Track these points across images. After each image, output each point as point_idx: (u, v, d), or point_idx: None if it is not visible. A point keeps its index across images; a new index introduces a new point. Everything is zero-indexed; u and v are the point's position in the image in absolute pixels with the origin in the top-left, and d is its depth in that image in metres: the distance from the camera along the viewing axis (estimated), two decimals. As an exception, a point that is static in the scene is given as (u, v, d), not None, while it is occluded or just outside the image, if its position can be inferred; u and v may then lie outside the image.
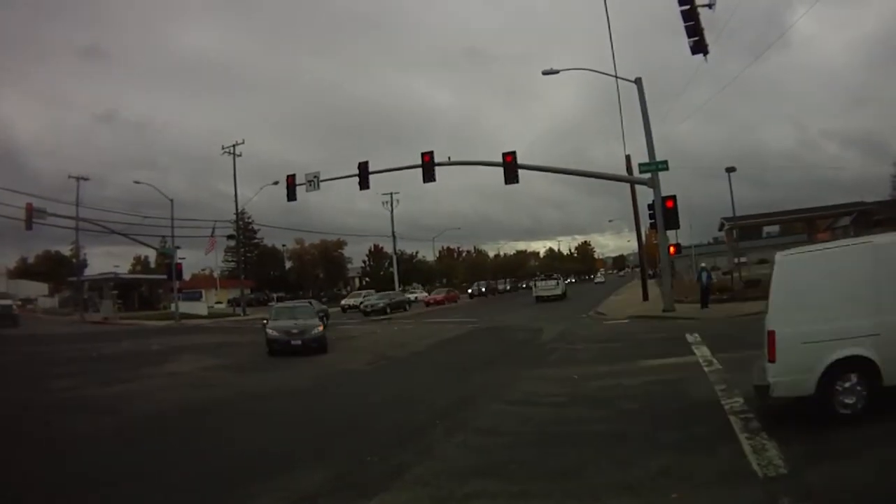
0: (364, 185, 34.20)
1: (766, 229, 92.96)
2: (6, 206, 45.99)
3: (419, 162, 32.24)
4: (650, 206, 29.72)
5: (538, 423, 10.20)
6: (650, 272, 55.26)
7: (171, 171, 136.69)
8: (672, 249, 32.46)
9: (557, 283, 59.11)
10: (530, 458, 8.19)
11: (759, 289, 33.98)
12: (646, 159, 29.23)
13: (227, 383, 16.83)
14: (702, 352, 16.06)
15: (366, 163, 34.25)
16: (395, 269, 79.44)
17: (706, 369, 13.57)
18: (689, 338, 18.96)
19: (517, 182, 30.08)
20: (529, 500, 6.65)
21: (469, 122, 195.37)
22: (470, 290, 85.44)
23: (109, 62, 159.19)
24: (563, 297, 56.46)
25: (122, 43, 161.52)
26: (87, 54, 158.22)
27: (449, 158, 32.43)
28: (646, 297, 40.15)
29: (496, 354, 19.35)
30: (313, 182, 36.04)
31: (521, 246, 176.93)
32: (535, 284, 62.26)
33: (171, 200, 57.14)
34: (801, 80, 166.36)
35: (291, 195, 36.64)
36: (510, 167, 30.10)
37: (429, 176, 31.97)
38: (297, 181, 36.42)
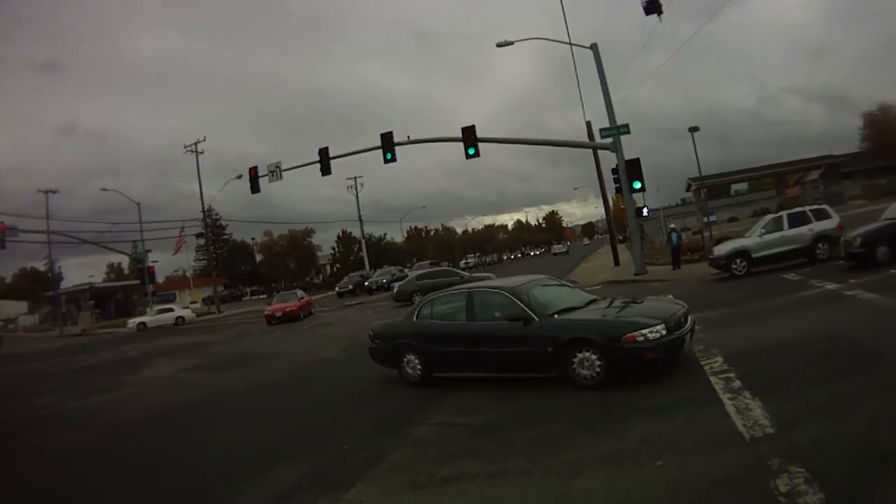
0: (326, 170, 34.17)
1: (735, 187, 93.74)
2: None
3: (387, 146, 32.07)
4: (614, 171, 29.65)
5: (516, 398, 9.96)
6: (620, 237, 55.52)
7: (137, 176, 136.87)
8: (639, 212, 32.29)
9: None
10: (510, 435, 7.99)
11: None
12: (606, 125, 29.16)
13: (202, 383, 16.64)
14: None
15: (326, 149, 34.30)
16: (364, 253, 79.35)
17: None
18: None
19: (478, 156, 30.10)
20: (508, 479, 6.45)
21: (427, 104, 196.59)
22: (338, 288, 61.10)
23: (66, 75, 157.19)
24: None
25: (77, 55, 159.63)
26: (43, 69, 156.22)
27: (408, 137, 32.36)
28: (617, 261, 40.18)
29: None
30: (275, 172, 36.30)
31: (489, 220, 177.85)
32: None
33: (139, 204, 57.52)
34: (759, 37, 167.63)
35: (255, 187, 36.71)
36: (469, 141, 30.02)
37: (389, 155, 31.89)
38: (260, 173, 36.25)
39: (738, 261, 22.90)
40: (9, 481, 9.27)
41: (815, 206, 23.76)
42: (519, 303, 10.34)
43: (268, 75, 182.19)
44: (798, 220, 22.57)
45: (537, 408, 9.19)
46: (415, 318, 11.91)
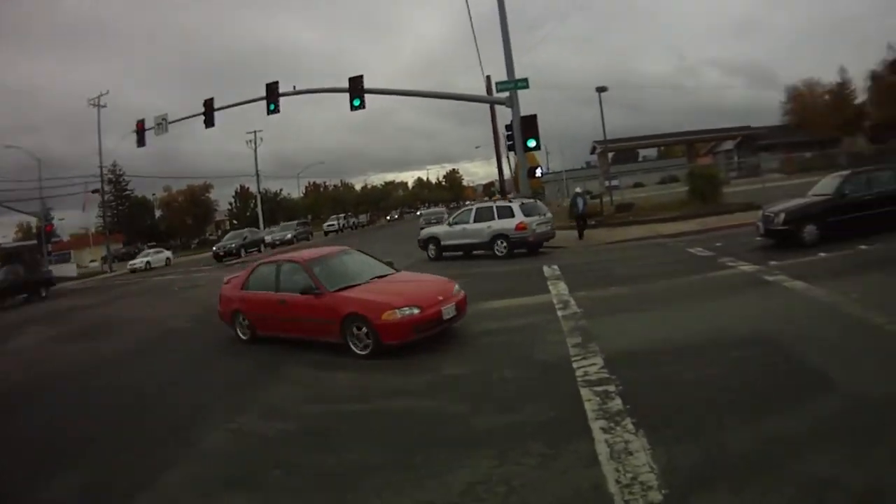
0: (209, 122, 33.04)
1: (643, 153, 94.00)
2: None
3: (271, 97, 30.86)
4: (508, 127, 27.99)
5: (331, 401, 8.07)
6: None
7: (51, 133, 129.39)
8: (531, 173, 29.01)
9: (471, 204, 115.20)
10: (299, 457, 6.27)
11: (631, 212, 33.16)
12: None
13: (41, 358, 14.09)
14: (558, 289, 13.74)
15: (211, 100, 33.16)
16: (259, 209, 77.25)
17: (560, 313, 11.14)
18: (546, 271, 16.83)
19: (363, 107, 29.30)
20: None
21: (335, 62, 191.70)
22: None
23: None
24: None
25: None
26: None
27: (294, 87, 31.21)
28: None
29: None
30: (161, 125, 35.17)
31: (391, 177, 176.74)
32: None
33: (39, 160, 57.66)
34: (681, 6, 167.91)
35: (141, 141, 35.67)
36: (355, 91, 29.19)
37: (273, 106, 31.00)
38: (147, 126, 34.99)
39: (430, 246, 24.14)
40: None
41: (504, 204, 23.43)
42: None
43: (178, 30, 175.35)
44: (484, 215, 22.92)
45: (353, 412, 7.49)
46: None
